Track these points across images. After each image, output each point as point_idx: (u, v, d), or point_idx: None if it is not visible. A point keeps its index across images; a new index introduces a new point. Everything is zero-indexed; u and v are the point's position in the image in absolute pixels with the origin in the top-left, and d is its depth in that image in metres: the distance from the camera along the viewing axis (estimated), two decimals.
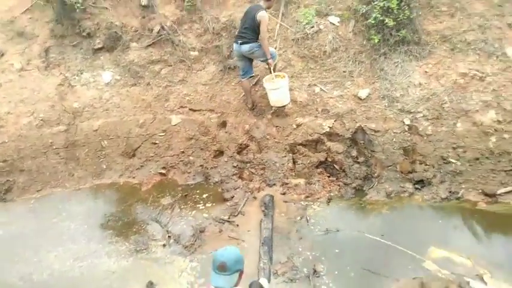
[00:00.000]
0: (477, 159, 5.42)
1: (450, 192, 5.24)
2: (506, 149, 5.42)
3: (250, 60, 5.61)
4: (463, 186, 5.29)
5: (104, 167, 5.67)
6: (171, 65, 6.25)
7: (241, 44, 5.33)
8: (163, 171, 5.62)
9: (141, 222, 4.86)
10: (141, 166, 5.69)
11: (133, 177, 5.60)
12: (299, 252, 4.42)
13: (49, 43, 6.29)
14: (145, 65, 6.20)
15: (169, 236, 4.61)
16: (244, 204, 5.05)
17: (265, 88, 5.56)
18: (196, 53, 6.28)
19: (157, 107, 6.07)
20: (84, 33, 6.20)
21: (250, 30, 5.28)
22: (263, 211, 4.89)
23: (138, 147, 5.82)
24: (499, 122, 5.58)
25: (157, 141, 5.83)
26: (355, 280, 4.14)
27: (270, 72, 5.50)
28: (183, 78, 6.22)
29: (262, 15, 5.16)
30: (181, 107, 6.08)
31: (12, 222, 4.96)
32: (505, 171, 5.34)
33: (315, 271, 4.18)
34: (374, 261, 4.32)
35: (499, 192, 5.18)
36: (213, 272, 2.41)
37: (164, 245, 4.52)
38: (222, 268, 2.37)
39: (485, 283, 4.04)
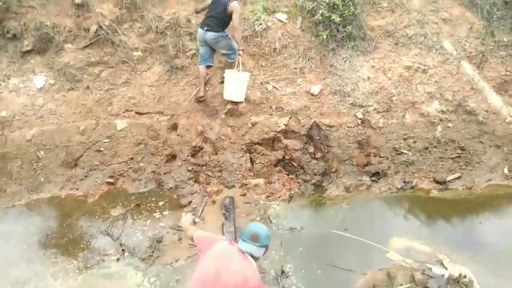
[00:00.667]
0: (426, 148, 5.62)
1: (405, 182, 5.37)
2: (451, 137, 5.69)
3: (212, 49, 5.44)
4: (416, 175, 5.46)
5: (42, 179, 5.07)
6: (113, 67, 5.79)
7: (206, 30, 5.17)
8: (111, 180, 5.14)
9: (90, 237, 4.38)
10: (85, 176, 5.17)
11: (77, 189, 5.06)
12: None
13: None
14: (83, 67, 5.68)
15: (123, 250, 4.20)
16: (203, 210, 4.73)
17: (225, 77, 5.37)
18: (139, 53, 5.89)
19: (100, 111, 5.58)
20: (9, 35, 5.54)
21: (219, 19, 5.15)
22: (224, 214, 4.65)
23: (80, 156, 5.29)
24: (442, 112, 5.85)
25: (102, 149, 5.35)
26: (323, 277, 4.06)
27: (237, 65, 5.36)
28: (127, 80, 5.79)
29: (235, 6, 5.04)
30: (127, 110, 5.65)
31: None
32: (452, 158, 5.59)
33: (282, 272, 4.04)
34: (340, 257, 4.28)
35: (448, 179, 5.40)
36: (242, 240, 2.55)
37: (118, 259, 4.11)
38: (254, 238, 2.53)
39: (446, 267, 4.14)
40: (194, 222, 3.16)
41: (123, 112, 5.63)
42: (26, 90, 5.49)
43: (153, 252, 4.20)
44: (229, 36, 5.40)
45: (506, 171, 5.54)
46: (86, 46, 5.70)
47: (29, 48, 5.57)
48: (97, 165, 5.28)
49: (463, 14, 6.55)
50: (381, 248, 4.31)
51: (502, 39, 6.41)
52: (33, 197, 4.94)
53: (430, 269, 4.06)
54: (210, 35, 5.17)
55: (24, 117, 5.34)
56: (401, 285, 3.81)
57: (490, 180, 5.45)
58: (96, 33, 5.66)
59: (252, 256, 2.51)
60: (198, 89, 5.65)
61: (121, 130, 5.49)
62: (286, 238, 4.49)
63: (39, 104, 5.45)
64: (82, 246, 4.28)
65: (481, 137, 5.75)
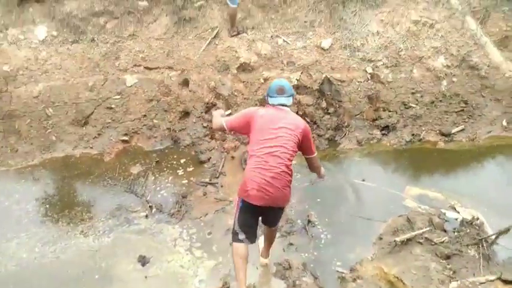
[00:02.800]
0: (432, 102, 5.80)
1: (413, 135, 5.58)
2: (455, 92, 5.88)
3: None
4: (423, 128, 5.66)
5: (54, 138, 4.94)
6: (118, 17, 5.52)
7: None
8: (125, 138, 5.08)
9: (114, 195, 4.38)
10: (99, 134, 5.07)
11: (91, 148, 4.98)
12: (289, 205, 4.39)
13: None
14: (86, 17, 5.39)
15: (150, 206, 4.24)
16: (223, 165, 4.83)
17: None
18: (145, 3, 5.62)
19: (107, 66, 5.37)
20: None
21: None
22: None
23: (91, 113, 5.15)
24: (448, 66, 5.99)
25: (112, 106, 5.22)
26: (347, 225, 4.26)
27: None
28: (133, 32, 5.56)
29: None
30: (135, 65, 5.47)
31: None
32: (456, 112, 5.82)
33: (309, 221, 4.20)
34: (360, 206, 4.49)
35: (453, 131, 5.64)
36: (271, 97, 3.00)
37: (147, 216, 4.15)
38: (281, 91, 2.99)
39: (458, 212, 4.44)
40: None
41: (132, 67, 5.46)
42: (27, 43, 5.20)
43: (180, 207, 4.25)
44: None
45: (504, 123, 5.82)
46: None
47: None
48: (109, 122, 5.18)
49: None
50: (398, 195, 4.55)
51: None
52: (46, 157, 4.84)
53: (445, 213, 4.34)
54: None
55: (28, 72, 5.09)
56: (421, 228, 4.06)
57: (490, 132, 5.73)
58: None
59: (285, 105, 2.99)
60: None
61: (131, 86, 5.35)
62: (308, 190, 4.64)
63: (42, 57, 5.19)
64: (107, 204, 4.27)
65: (482, 91, 5.96)
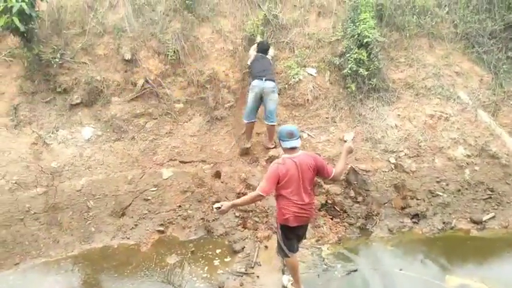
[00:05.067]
0: (459, 190, 5.92)
1: (444, 223, 5.58)
2: (479, 180, 6.02)
3: (258, 105, 5.86)
4: (453, 216, 5.68)
5: (93, 229, 5.09)
6: (156, 118, 6.07)
7: (265, 80, 5.66)
8: (161, 228, 5.20)
9: (151, 286, 4.35)
10: (135, 225, 5.21)
11: (128, 238, 5.08)
12: None
13: (17, 100, 5.77)
14: (128, 119, 5.93)
15: None
16: (257, 255, 4.83)
17: None
18: (181, 105, 6.21)
19: (145, 161, 5.75)
20: (60, 89, 5.82)
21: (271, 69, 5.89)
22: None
23: (129, 205, 5.37)
24: (468, 156, 6.24)
25: (149, 197, 5.45)
26: None
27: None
28: (170, 130, 6.05)
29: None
30: (171, 159, 5.84)
31: None
32: (484, 199, 5.89)
33: None
34: None
35: (484, 219, 5.64)
36: (283, 141, 3.68)
37: None
38: (291, 135, 3.66)
39: None
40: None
41: (168, 161, 5.82)
42: (74, 142, 5.66)
43: None
44: None
45: None
46: (132, 99, 5.98)
47: (78, 101, 5.80)
48: (145, 213, 5.35)
49: (473, 68, 7.21)
50: (439, 285, 4.42)
51: (510, 89, 7.03)
52: (85, 247, 4.93)
53: None
54: (269, 83, 5.65)
55: (73, 168, 5.45)
56: None
57: None
58: (142, 87, 5.98)
59: (296, 147, 3.67)
60: (244, 141, 5.92)
61: (167, 178, 5.64)
62: (345, 281, 4.55)
63: (87, 154, 5.60)
64: None
65: (506, 178, 6.10)
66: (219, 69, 6.43)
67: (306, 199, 3.68)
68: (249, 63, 5.97)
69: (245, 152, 5.87)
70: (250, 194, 3.75)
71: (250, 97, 5.78)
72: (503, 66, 7.14)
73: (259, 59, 5.78)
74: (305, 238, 4.30)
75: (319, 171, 3.77)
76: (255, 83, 5.68)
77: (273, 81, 5.73)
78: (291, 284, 4.21)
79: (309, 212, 3.82)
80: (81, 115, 5.86)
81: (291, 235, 3.88)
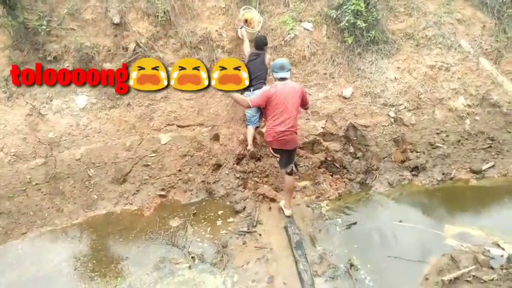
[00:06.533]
0: (459, 141, 5.89)
1: (443, 174, 5.61)
2: (480, 129, 5.99)
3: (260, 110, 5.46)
4: (453, 167, 5.71)
5: (95, 197, 5.15)
6: None
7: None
8: (162, 192, 5.26)
9: (157, 248, 4.46)
10: (137, 191, 5.27)
11: (131, 204, 5.15)
12: (330, 250, 4.38)
13: (7, 71, 5.63)
14: None
15: (192, 257, 4.29)
16: (258, 214, 4.91)
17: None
18: None
19: (143, 127, 5.70)
20: (50, 57, 5.66)
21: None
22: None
23: (129, 171, 5.39)
24: (469, 106, 6.16)
25: (149, 163, 5.46)
26: (390, 268, 4.19)
27: None
28: (165, 95, 5.94)
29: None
30: (168, 124, 5.79)
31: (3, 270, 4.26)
32: (483, 149, 5.88)
33: (351, 265, 4.17)
34: (400, 247, 4.43)
35: (483, 168, 5.65)
36: (275, 72, 4.40)
37: (190, 267, 4.19)
38: (282, 67, 4.38)
39: (503, 248, 4.34)
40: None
41: (165, 126, 5.77)
42: (70, 111, 5.59)
43: (222, 257, 4.29)
44: None
45: None
46: (125, 64, 5.83)
47: (69, 69, 5.66)
48: (146, 179, 5.39)
49: (475, 14, 6.94)
50: (438, 234, 4.51)
51: None
52: (89, 215, 5.02)
53: (489, 250, 4.25)
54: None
55: (70, 137, 5.43)
56: (467, 267, 3.98)
57: None
58: (134, 51, 5.82)
59: (286, 78, 4.37)
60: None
61: (165, 144, 5.62)
62: (345, 234, 4.64)
63: (83, 123, 5.55)
64: (151, 257, 4.34)
65: (507, 127, 6.05)
66: (212, 29, 6.21)
67: (289, 123, 4.29)
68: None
69: (254, 155, 5.61)
70: (243, 98, 4.55)
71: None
72: (508, 11, 6.85)
73: (252, 58, 5.47)
74: (293, 164, 4.66)
75: (302, 99, 4.40)
76: (246, 94, 5.30)
77: (261, 88, 5.13)
78: (284, 204, 4.86)
79: (290, 137, 4.35)
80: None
81: (278, 152, 4.59)
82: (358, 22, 6.19)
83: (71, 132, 5.48)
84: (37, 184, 5.05)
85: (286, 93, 4.28)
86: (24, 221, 4.80)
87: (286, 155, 4.57)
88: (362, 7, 6.18)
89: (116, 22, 5.80)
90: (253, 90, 5.27)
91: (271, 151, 4.66)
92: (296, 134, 4.46)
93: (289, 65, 4.43)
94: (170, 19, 6.03)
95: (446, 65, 6.39)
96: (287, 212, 4.79)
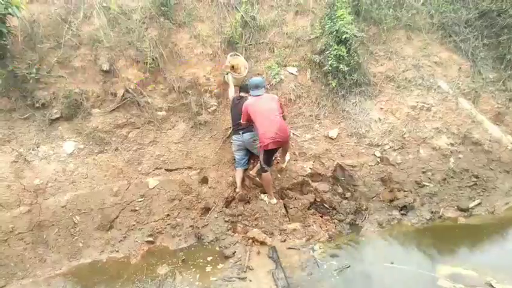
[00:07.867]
0: (444, 179, 5.98)
1: (432, 212, 5.64)
2: (464, 167, 6.11)
3: (248, 152, 5.71)
4: (441, 205, 5.75)
5: (81, 245, 5.00)
6: (139, 127, 5.98)
7: (243, 133, 5.52)
8: (150, 238, 5.14)
9: None
10: (124, 237, 5.14)
11: (117, 251, 5.01)
12: None
13: None
14: (111, 130, 5.83)
15: None
16: (248, 258, 4.81)
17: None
18: (163, 112, 6.13)
19: (130, 171, 5.67)
20: (38, 104, 5.68)
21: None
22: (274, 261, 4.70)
23: (116, 217, 5.29)
24: (451, 144, 6.32)
25: (136, 208, 5.38)
26: None
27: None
28: (154, 139, 5.97)
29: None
30: (157, 168, 5.77)
31: None
32: (469, 186, 5.96)
33: None
34: None
35: (470, 206, 5.71)
36: (252, 90, 5.28)
37: None
38: (257, 86, 5.24)
39: None
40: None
41: (153, 170, 5.75)
42: (56, 157, 5.54)
43: None
44: None
45: None
46: (113, 110, 5.89)
47: (57, 115, 5.69)
48: (134, 225, 5.28)
49: (451, 56, 7.30)
50: (430, 275, 4.45)
51: (488, 76, 7.15)
52: (73, 264, 4.85)
53: None
54: (247, 136, 5.51)
55: (57, 184, 5.35)
56: None
57: (508, 203, 5.80)
58: (123, 97, 5.90)
59: (260, 95, 5.21)
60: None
61: (153, 188, 5.58)
62: (338, 279, 4.55)
63: (70, 169, 5.50)
64: None
65: (489, 164, 6.20)
66: (200, 74, 6.37)
67: (276, 124, 4.99)
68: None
69: (243, 198, 5.61)
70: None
71: (234, 149, 5.71)
72: (480, 54, 7.25)
73: (236, 102, 5.66)
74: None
75: (280, 105, 5.23)
76: (235, 137, 5.60)
77: (251, 131, 5.45)
78: (267, 197, 5.51)
79: (282, 135, 5.03)
80: (61, 129, 5.73)
81: (268, 153, 5.17)
82: (341, 66, 6.43)
83: (57, 178, 5.40)
84: (20, 233, 4.90)
85: (262, 102, 5.11)
86: (3, 273, 4.60)
87: (272, 154, 5.25)
88: (343, 52, 6.44)
89: (105, 69, 5.91)
90: (242, 133, 5.38)
91: (264, 157, 5.20)
92: (287, 132, 5.18)
93: (263, 83, 5.30)
94: (159, 65, 6.17)
95: (427, 105, 6.62)
96: (273, 201, 5.48)
